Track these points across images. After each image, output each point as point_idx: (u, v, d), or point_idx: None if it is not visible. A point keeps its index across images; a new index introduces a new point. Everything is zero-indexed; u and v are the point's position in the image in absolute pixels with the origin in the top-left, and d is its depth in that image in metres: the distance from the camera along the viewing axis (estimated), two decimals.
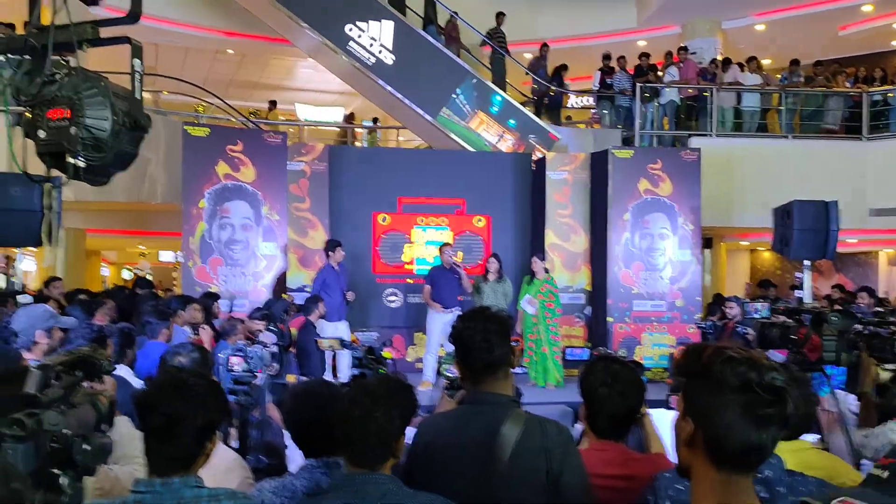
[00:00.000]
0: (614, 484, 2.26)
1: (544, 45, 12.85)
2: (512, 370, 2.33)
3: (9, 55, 2.01)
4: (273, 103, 15.95)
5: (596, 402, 2.39)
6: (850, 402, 3.18)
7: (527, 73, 12.75)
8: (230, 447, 3.13)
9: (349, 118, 16.34)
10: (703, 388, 1.37)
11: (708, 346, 1.43)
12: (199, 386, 1.95)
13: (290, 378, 7.83)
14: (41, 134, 1.90)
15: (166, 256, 22.58)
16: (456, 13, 12.11)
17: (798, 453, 2.26)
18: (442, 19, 12.23)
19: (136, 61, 1.99)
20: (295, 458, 2.75)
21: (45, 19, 1.98)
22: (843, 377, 3.73)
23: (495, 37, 12.51)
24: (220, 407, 2.00)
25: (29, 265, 14.21)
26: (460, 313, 2.50)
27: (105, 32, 1.99)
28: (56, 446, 1.29)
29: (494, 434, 2.11)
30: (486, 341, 2.20)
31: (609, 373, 2.41)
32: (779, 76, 13.07)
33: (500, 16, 12.62)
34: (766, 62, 14.00)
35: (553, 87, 12.63)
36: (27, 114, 1.94)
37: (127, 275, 23.30)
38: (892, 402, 2.62)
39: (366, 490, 1.95)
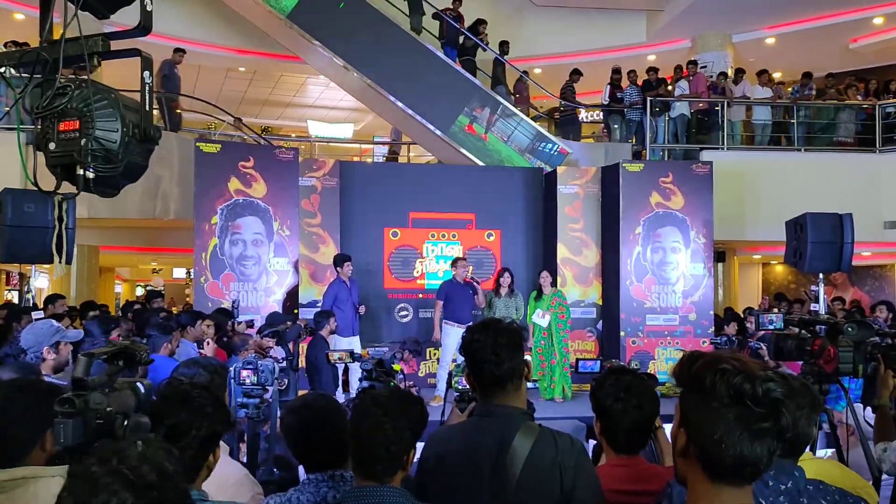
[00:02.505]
0: (637, 500, 2.23)
1: (576, 70, 12.85)
2: (527, 383, 2.30)
3: (21, 69, 2.02)
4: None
5: (611, 417, 2.36)
6: (868, 415, 3.13)
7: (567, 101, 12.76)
8: (240, 461, 3.12)
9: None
10: (695, 399, 1.34)
11: (701, 355, 1.39)
12: (201, 397, 1.96)
13: (302, 393, 7.82)
14: (51, 146, 1.91)
15: (179, 273, 22.71)
16: (525, 73, 12.22)
17: (807, 464, 2.22)
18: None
19: (146, 73, 2.00)
20: None
21: (57, 33, 2.00)
22: (860, 391, 3.68)
23: (566, 93, 12.63)
24: (222, 419, 2.01)
25: (42, 282, 14.31)
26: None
27: (116, 45, 2.00)
28: (100, 422, 1.53)
29: (506, 447, 2.07)
30: (495, 354, 2.15)
31: (622, 386, 2.38)
32: (790, 89, 13.04)
33: (574, 73, 12.69)
34: (776, 75, 13.95)
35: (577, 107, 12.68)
36: (37, 126, 1.96)
37: (141, 292, 23.44)
38: None
39: (374, 503, 1.93)
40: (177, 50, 11.47)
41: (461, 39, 11.97)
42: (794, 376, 2.04)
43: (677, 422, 1.40)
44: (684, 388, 1.39)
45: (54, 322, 3.76)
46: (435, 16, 11.94)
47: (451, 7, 12.15)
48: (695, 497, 1.37)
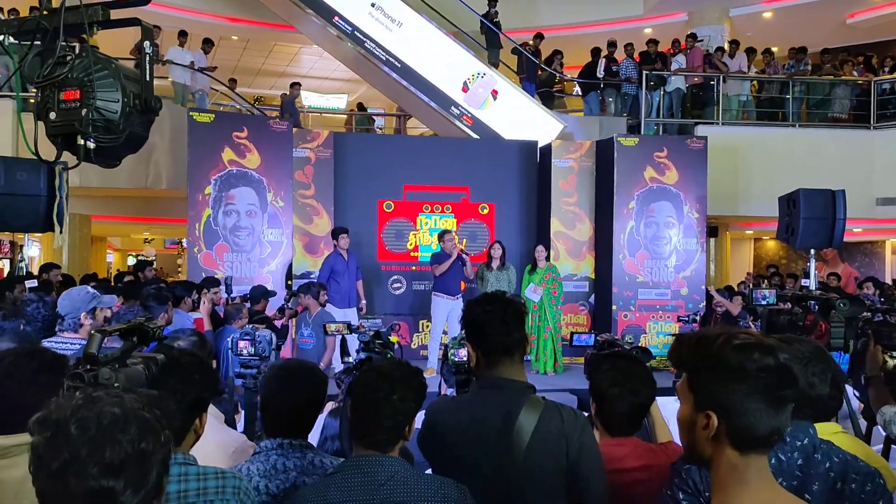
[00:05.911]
0: (635, 477, 2.30)
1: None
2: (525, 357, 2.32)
3: (20, 37, 2.01)
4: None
5: (607, 401, 2.42)
6: (849, 392, 3.17)
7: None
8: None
9: (360, 107, 16.25)
10: (720, 379, 1.36)
11: (714, 334, 1.41)
12: (189, 364, 1.99)
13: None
14: (52, 115, 1.90)
15: (171, 242, 22.62)
16: (609, 78, 12.46)
17: (838, 437, 2.26)
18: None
19: (146, 43, 1.99)
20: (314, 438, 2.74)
21: (56, 1, 1.98)
22: (846, 365, 3.72)
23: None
24: (209, 385, 2.04)
25: (34, 251, 14.24)
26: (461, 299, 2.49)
27: (115, 15, 1.98)
28: None
29: (512, 420, 2.11)
30: (504, 323, 2.19)
31: (618, 371, 2.43)
32: (785, 64, 13.00)
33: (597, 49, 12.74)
34: (773, 50, 13.90)
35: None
36: (32, 100, 1.95)
37: (133, 261, 23.38)
38: None
39: (374, 471, 1.96)
40: (293, 84, 12.30)
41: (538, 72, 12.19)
42: (807, 340, 2.08)
43: (692, 406, 1.41)
44: (700, 371, 1.41)
45: (90, 288, 3.79)
46: (514, 51, 12.13)
47: (531, 42, 12.39)
48: (724, 472, 1.39)
